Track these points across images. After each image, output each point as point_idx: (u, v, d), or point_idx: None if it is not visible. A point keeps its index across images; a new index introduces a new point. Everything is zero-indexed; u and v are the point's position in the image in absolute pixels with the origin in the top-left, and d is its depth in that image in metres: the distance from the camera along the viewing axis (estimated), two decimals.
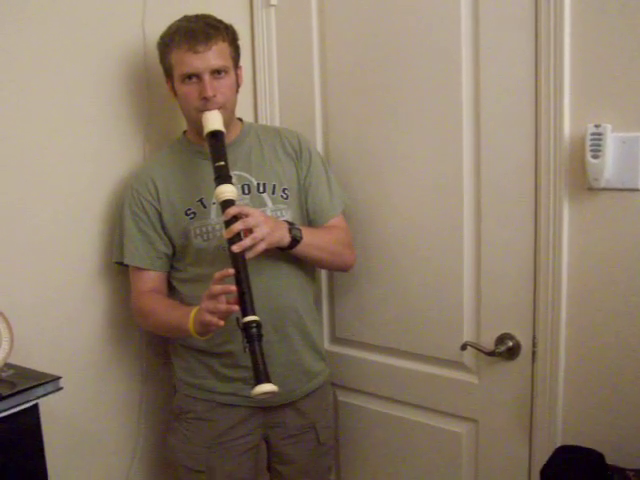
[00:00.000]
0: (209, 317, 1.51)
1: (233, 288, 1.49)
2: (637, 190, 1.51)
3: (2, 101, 1.64)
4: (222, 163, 1.61)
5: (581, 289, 1.63)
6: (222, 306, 1.49)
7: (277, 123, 2.16)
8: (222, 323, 1.51)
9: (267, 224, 1.60)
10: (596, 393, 1.63)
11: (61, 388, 1.49)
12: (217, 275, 1.52)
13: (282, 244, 1.67)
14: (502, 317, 1.77)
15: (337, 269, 1.99)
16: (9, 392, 1.40)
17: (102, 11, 1.83)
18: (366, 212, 1.99)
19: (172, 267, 1.83)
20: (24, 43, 1.66)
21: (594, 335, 1.62)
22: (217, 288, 1.50)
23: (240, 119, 1.89)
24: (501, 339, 1.76)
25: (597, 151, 1.52)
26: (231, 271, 1.51)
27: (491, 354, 1.75)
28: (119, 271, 1.88)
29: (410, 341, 1.96)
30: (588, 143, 1.52)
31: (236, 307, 1.48)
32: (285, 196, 1.81)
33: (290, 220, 1.76)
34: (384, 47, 1.88)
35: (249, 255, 1.55)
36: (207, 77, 1.66)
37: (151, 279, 1.80)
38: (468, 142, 1.76)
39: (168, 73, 1.75)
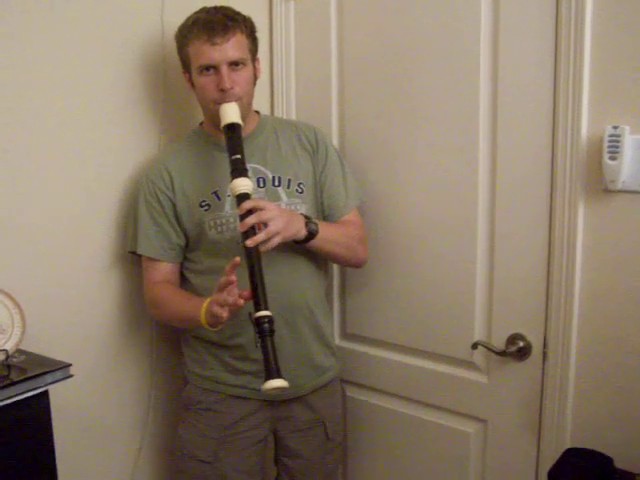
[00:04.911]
0: (217, 309, 1.51)
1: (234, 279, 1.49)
2: None
3: (22, 91, 1.65)
4: (238, 156, 1.61)
5: (594, 291, 1.61)
6: (230, 298, 1.49)
7: (293, 116, 2.16)
8: (226, 314, 1.50)
9: (282, 218, 1.60)
10: (606, 396, 1.62)
11: (71, 375, 1.50)
12: (227, 268, 1.51)
13: (298, 237, 1.67)
14: (514, 317, 1.76)
15: (350, 265, 1.98)
16: (20, 377, 1.41)
17: (121, 1, 1.83)
18: (380, 207, 1.98)
19: (185, 258, 1.83)
20: (44, 34, 1.67)
21: (606, 338, 1.61)
22: (228, 279, 1.50)
23: (257, 112, 1.88)
24: (512, 339, 1.76)
25: (615, 152, 1.50)
26: (238, 259, 1.49)
27: (502, 354, 1.75)
28: (132, 261, 1.89)
29: (421, 339, 1.96)
30: (606, 144, 1.51)
31: (242, 301, 1.47)
32: (300, 190, 1.80)
33: (305, 214, 1.75)
34: (402, 42, 1.87)
35: (263, 249, 1.55)
36: (225, 69, 1.66)
37: (164, 270, 1.81)
38: (485, 140, 1.75)
39: (186, 65, 1.75)
